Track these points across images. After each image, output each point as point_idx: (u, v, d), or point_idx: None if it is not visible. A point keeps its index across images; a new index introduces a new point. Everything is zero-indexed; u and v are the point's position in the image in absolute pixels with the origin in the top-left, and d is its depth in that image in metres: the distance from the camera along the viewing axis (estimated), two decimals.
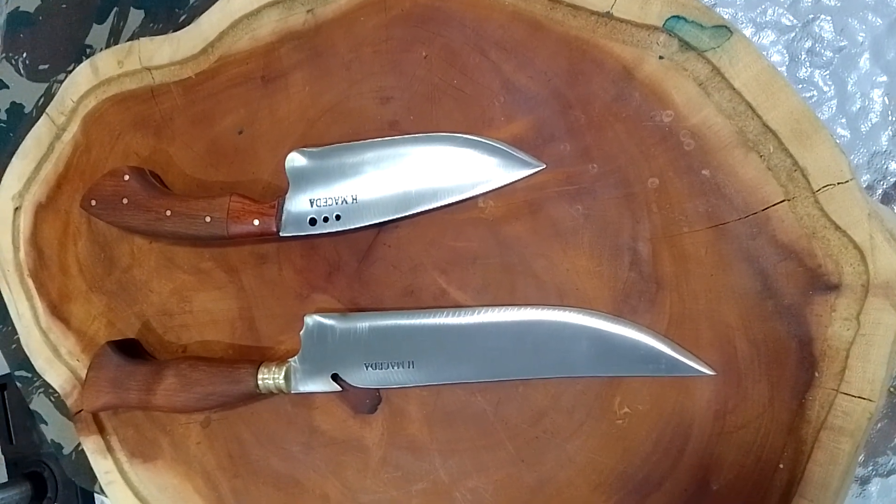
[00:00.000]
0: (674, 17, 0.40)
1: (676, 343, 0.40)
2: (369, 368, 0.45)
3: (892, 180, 0.44)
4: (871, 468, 0.50)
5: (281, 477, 0.49)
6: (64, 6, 0.63)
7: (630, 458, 0.42)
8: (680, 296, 0.41)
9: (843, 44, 0.45)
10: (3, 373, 0.67)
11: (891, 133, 0.44)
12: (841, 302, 0.38)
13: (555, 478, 0.43)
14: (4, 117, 0.65)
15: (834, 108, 0.45)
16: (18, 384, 0.65)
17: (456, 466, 0.45)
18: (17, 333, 0.58)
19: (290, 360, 0.46)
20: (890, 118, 0.44)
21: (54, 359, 0.56)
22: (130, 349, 0.51)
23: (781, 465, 0.39)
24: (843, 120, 0.43)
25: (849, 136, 0.45)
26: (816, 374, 0.38)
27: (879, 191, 0.45)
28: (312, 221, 0.46)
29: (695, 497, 0.40)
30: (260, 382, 0.46)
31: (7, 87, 0.65)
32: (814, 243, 0.38)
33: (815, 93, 0.45)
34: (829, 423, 0.38)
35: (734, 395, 0.40)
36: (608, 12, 0.41)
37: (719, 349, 0.40)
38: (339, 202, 0.46)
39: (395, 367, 0.45)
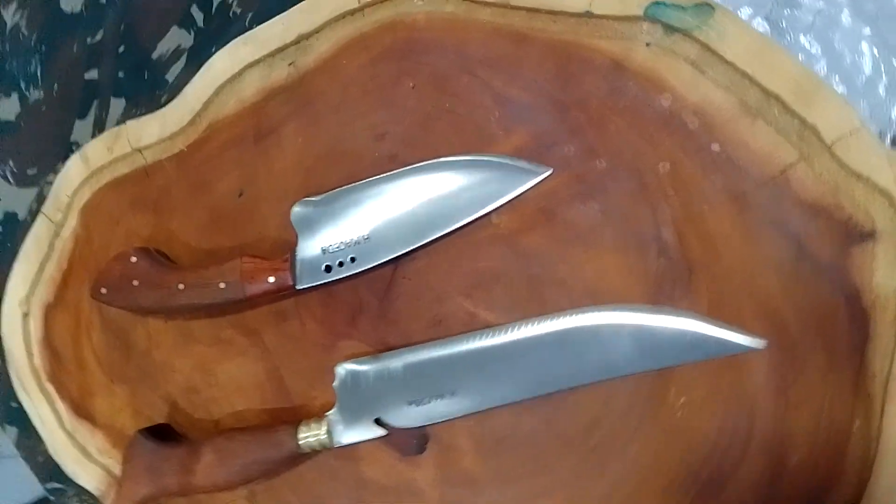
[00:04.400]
0: (653, 3, 0.40)
1: (721, 321, 0.39)
2: (411, 406, 0.44)
3: None
4: None
5: None
6: (44, 108, 0.64)
7: (697, 451, 0.40)
8: (714, 276, 0.40)
9: (820, 5, 0.46)
10: (37, 497, 0.65)
11: (886, 82, 0.44)
12: (880, 249, 0.37)
13: (621, 487, 0.41)
14: (0, 229, 0.65)
15: (826, 68, 0.45)
16: (51, 497, 0.62)
17: (517, 494, 0.43)
18: (42, 444, 0.56)
19: (327, 413, 0.45)
20: (882, 68, 0.44)
21: (85, 460, 0.54)
22: (163, 434, 0.50)
23: (855, 427, 0.37)
24: (837, 77, 0.43)
25: (846, 92, 0.45)
26: (871, 326, 0.37)
27: (887, 139, 0.45)
28: (328, 269, 0.45)
29: (773, 477, 0.39)
30: (301, 442, 0.44)
31: None
32: (839, 196, 0.37)
33: (803, 56, 0.46)
34: (894, 372, 0.36)
35: (791, 365, 0.38)
36: (587, 11, 0.41)
37: (766, 322, 0.39)
38: (352, 244, 0.45)
39: (437, 400, 0.43)
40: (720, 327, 0.39)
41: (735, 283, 0.39)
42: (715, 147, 0.39)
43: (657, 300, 0.40)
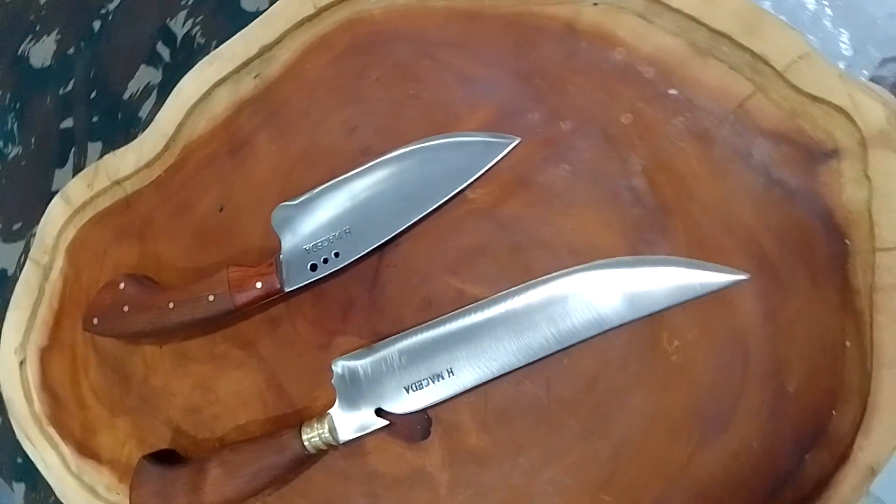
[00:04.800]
0: None
1: (701, 260, 0.40)
2: (410, 391, 0.43)
3: (848, 56, 0.45)
4: None
5: None
6: (23, 163, 0.65)
7: (697, 392, 0.40)
8: (690, 215, 0.40)
9: None
10: None
11: (831, 14, 0.45)
12: (845, 166, 0.38)
13: (629, 439, 0.41)
14: None
15: (771, 9, 0.46)
16: None
17: (527, 463, 0.43)
18: (48, 493, 0.55)
19: (329, 411, 0.44)
20: (823, 2, 0.46)
21: (94, 500, 0.53)
22: (168, 459, 0.49)
23: (848, 343, 0.38)
24: (784, 17, 0.44)
25: None
26: (848, 242, 0.38)
27: None
28: (313, 267, 0.46)
29: (775, 406, 0.39)
30: (306, 443, 0.44)
31: None
32: (798, 121, 0.38)
33: None
34: (877, 284, 0.37)
35: (776, 291, 0.39)
36: None
37: (746, 252, 0.39)
38: (334, 239, 0.46)
39: (436, 381, 0.43)
40: (702, 267, 0.40)
41: (711, 219, 0.40)
42: (672, 92, 0.40)
43: (638, 248, 0.41)
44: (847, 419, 0.38)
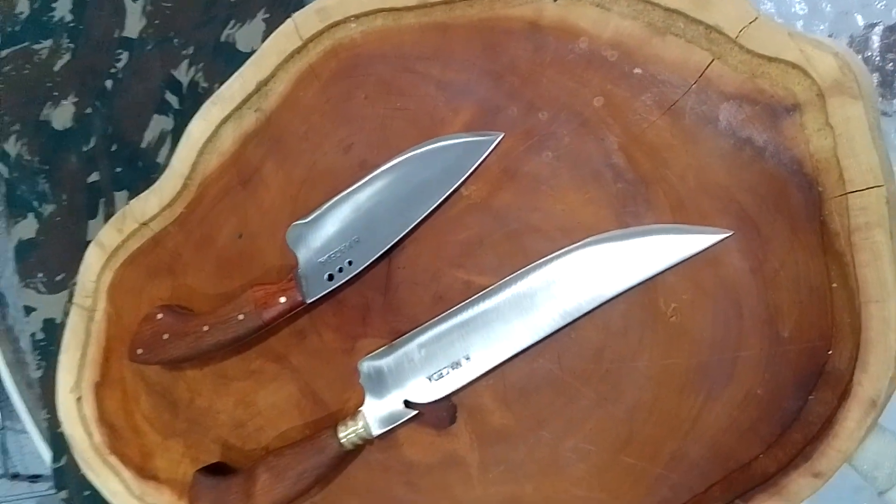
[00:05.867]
0: None
1: (685, 223, 0.42)
2: (433, 380, 0.47)
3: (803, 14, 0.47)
4: None
5: None
6: (58, 219, 0.69)
7: (698, 348, 0.42)
8: (669, 184, 0.43)
9: None
10: None
11: None
12: (807, 118, 0.40)
13: (641, 401, 0.44)
14: (42, 336, 0.70)
15: None
16: None
17: (549, 435, 0.46)
18: None
19: (360, 408, 0.48)
20: None
21: None
22: (220, 471, 0.53)
23: (834, 284, 0.40)
24: None
25: None
26: (820, 189, 0.40)
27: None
28: (330, 277, 0.49)
29: (773, 352, 0.41)
30: (343, 440, 0.47)
31: (35, 309, 0.70)
32: (757, 81, 0.41)
33: None
34: (853, 225, 0.39)
35: (759, 244, 0.41)
36: None
37: (725, 211, 0.42)
38: (345, 250, 0.49)
39: (455, 368, 0.46)
40: (687, 231, 0.42)
41: (689, 185, 0.42)
42: (637, 70, 0.43)
43: (625, 220, 0.44)
44: (844, 357, 0.40)
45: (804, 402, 0.41)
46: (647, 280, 0.43)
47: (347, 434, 0.47)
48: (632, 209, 0.43)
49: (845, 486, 0.43)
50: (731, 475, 0.42)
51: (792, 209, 0.40)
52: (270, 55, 0.52)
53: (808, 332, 0.40)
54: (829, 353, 0.40)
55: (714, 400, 0.42)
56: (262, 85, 0.52)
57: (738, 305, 0.42)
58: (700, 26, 0.41)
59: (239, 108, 0.53)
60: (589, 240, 0.44)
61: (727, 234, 0.41)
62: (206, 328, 0.51)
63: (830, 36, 0.46)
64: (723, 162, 0.42)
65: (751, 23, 0.40)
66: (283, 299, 0.49)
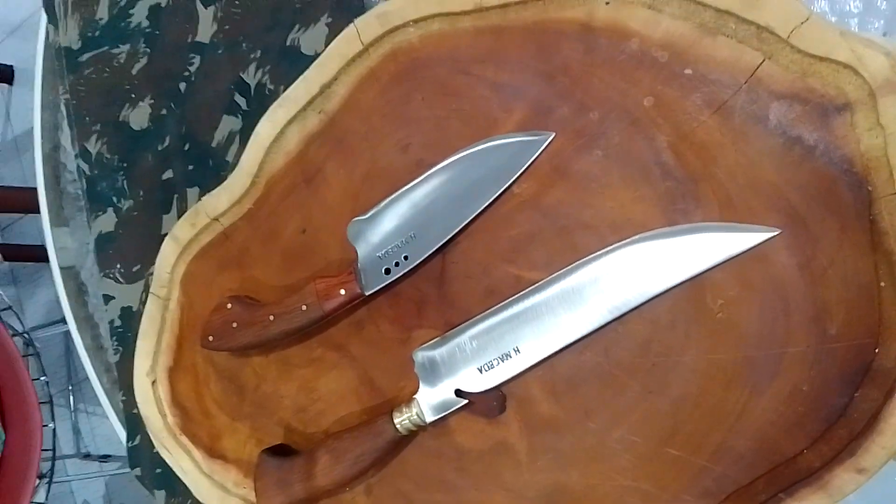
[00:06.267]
0: None
1: (733, 221, 0.43)
2: (484, 371, 0.49)
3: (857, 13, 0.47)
4: None
5: None
6: (135, 213, 0.74)
7: (745, 344, 0.43)
8: (718, 181, 0.44)
9: None
10: None
11: None
12: (858, 117, 0.40)
13: (687, 394, 0.45)
14: (120, 323, 0.75)
15: None
16: None
17: (596, 425, 0.47)
18: (185, 497, 0.64)
19: (415, 396, 0.50)
20: None
21: (225, 496, 0.61)
22: (283, 452, 0.56)
23: (883, 283, 0.40)
24: None
25: None
26: (870, 189, 0.40)
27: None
28: (387, 271, 0.52)
29: (820, 349, 0.41)
30: (398, 425, 0.50)
31: (113, 297, 0.75)
32: (808, 81, 0.41)
33: None
34: None
35: (808, 242, 0.41)
36: None
37: (775, 209, 0.42)
38: (402, 245, 0.51)
39: (505, 360, 0.48)
40: (736, 229, 0.43)
41: (738, 183, 0.43)
42: (688, 71, 0.44)
43: (673, 218, 0.45)
44: (891, 355, 0.40)
45: (850, 398, 0.41)
46: (694, 277, 0.44)
47: (402, 420, 0.50)
48: (681, 207, 0.44)
49: (889, 483, 0.42)
50: (776, 469, 0.43)
51: (841, 208, 0.41)
52: (333, 59, 0.54)
53: (856, 330, 0.41)
54: (877, 350, 0.40)
55: (760, 395, 0.43)
56: (325, 88, 0.55)
57: (785, 302, 0.42)
58: (751, 26, 0.42)
59: (303, 109, 0.56)
60: (637, 237, 0.45)
61: (775, 233, 0.42)
62: (271, 318, 0.54)
63: (885, 34, 0.46)
64: (772, 160, 0.42)
65: (802, 23, 0.41)
66: (343, 291, 0.52)
